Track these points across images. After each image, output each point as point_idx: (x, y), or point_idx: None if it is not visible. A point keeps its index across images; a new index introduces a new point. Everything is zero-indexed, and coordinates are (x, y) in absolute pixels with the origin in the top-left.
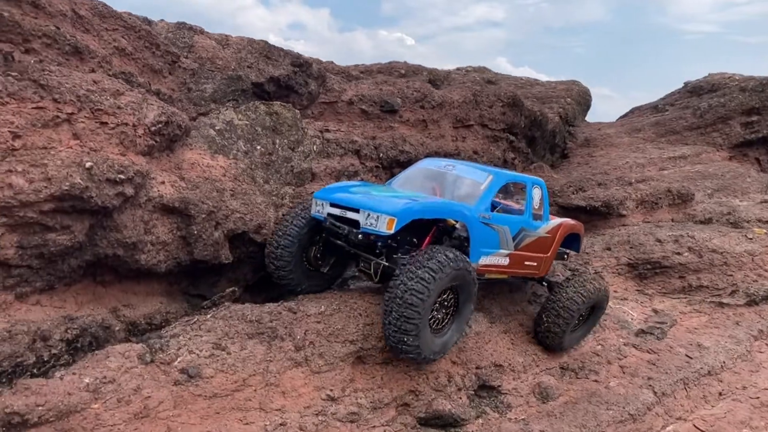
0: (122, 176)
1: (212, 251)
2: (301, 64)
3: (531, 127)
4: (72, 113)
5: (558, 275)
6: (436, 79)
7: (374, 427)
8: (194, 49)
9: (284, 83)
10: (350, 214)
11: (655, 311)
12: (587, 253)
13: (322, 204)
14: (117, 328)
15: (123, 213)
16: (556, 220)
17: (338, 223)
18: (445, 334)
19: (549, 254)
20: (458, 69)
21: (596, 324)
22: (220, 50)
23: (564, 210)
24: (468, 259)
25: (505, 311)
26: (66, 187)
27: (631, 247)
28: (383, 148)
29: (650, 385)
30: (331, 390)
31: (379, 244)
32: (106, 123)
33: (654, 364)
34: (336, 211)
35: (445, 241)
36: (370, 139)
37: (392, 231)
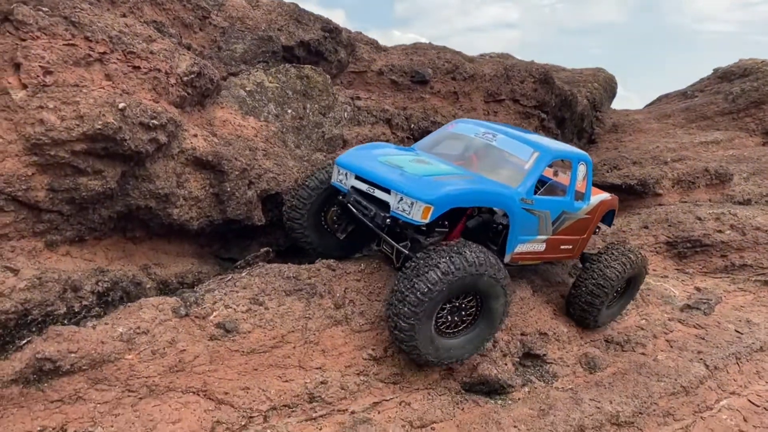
0: (155, 122)
1: (245, 210)
2: (331, 29)
3: (561, 107)
4: (104, 53)
5: (598, 248)
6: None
7: (417, 389)
8: (224, 8)
9: (314, 48)
10: (379, 194)
11: (698, 289)
12: (623, 232)
13: (346, 174)
14: (148, 286)
15: (155, 163)
16: (596, 198)
17: (364, 202)
18: (458, 338)
19: (585, 236)
20: (482, 55)
21: (634, 298)
22: (250, 10)
23: (598, 188)
24: (496, 264)
25: (546, 282)
26: (99, 126)
27: (669, 226)
28: (414, 119)
29: (701, 359)
30: (373, 350)
31: (409, 230)
32: (139, 67)
33: (703, 339)
34: (362, 186)
35: (475, 219)
36: (401, 110)
37: (427, 220)
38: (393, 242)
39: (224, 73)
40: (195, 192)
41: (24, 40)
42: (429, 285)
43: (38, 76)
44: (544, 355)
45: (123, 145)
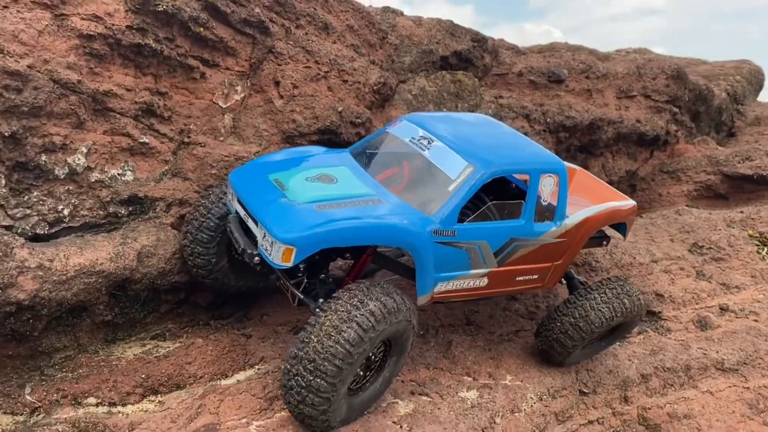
0: (359, 120)
1: None
2: (479, 40)
3: (696, 101)
4: (327, 71)
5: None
6: (596, 59)
7: None
8: (396, 28)
9: (465, 56)
10: (251, 224)
11: None
12: (752, 219)
13: (233, 194)
14: None
15: None
16: (578, 215)
17: (236, 233)
18: (365, 391)
19: (561, 261)
20: (618, 51)
21: (614, 344)
22: (415, 29)
23: (729, 179)
24: (412, 307)
25: (666, 255)
26: (328, 123)
27: None
28: (550, 114)
29: None
30: None
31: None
32: (347, 81)
33: None
34: (242, 212)
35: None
36: (538, 106)
37: (290, 264)
38: (286, 279)
39: (396, 81)
40: None
41: (280, 65)
42: (348, 347)
43: (290, 90)
44: (660, 312)
45: (340, 137)
